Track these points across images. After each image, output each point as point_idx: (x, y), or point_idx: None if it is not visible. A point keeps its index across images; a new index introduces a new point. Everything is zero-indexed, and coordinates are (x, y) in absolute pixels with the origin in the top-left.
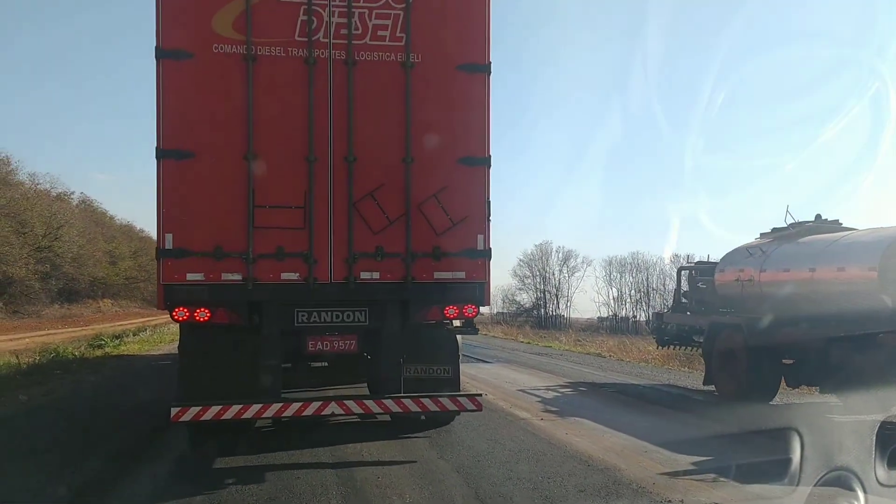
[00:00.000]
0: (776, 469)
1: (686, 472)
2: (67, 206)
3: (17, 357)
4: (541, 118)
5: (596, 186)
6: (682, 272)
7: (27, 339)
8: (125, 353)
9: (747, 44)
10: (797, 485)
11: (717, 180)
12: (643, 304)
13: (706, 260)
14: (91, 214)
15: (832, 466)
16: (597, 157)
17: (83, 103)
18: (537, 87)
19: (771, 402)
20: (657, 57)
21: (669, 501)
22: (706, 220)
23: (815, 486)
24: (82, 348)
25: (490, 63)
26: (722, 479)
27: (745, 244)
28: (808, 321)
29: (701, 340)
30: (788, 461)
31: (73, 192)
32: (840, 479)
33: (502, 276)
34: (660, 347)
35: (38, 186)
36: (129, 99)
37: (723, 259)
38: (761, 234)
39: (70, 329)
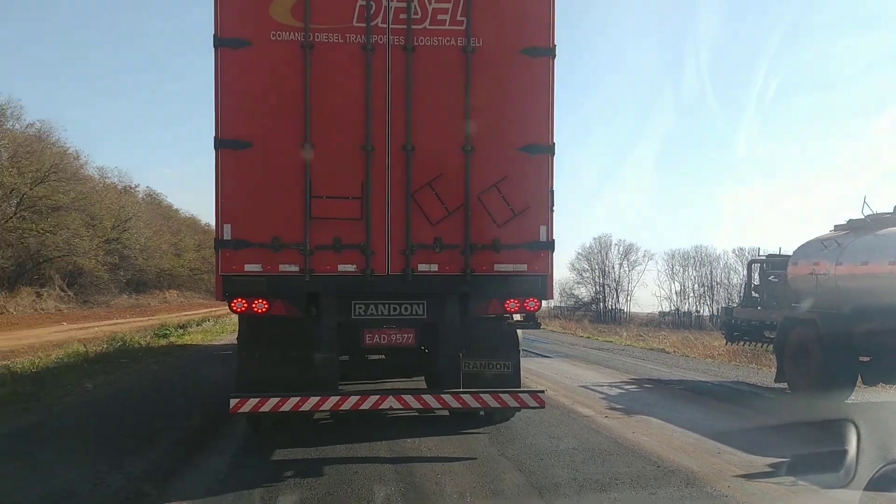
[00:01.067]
0: (868, 473)
1: (763, 475)
2: (134, 199)
3: (85, 346)
4: (592, 106)
5: (652, 178)
6: (753, 266)
7: (96, 329)
8: (189, 342)
9: (803, 29)
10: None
11: (774, 169)
12: (707, 298)
13: (778, 253)
14: (157, 207)
15: None
16: (650, 148)
17: (157, 105)
18: (582, 72)
19: (846, 401)
20: (710, 43)
21: None
22: (765, 210)
23: None
24: (148, 338)
25: (555, 46)
26: (801, 482)
27: (818, 236)
28: (887, 316)
29: (772, 336)
30: (872, 465)
31: (138, 186)
32: None
33: (559, 269)
34: (728, 343)
35: (107, 180)
36: (197, 93)
37: (796, 252)
38: (836, 227)
39: (137, 319)
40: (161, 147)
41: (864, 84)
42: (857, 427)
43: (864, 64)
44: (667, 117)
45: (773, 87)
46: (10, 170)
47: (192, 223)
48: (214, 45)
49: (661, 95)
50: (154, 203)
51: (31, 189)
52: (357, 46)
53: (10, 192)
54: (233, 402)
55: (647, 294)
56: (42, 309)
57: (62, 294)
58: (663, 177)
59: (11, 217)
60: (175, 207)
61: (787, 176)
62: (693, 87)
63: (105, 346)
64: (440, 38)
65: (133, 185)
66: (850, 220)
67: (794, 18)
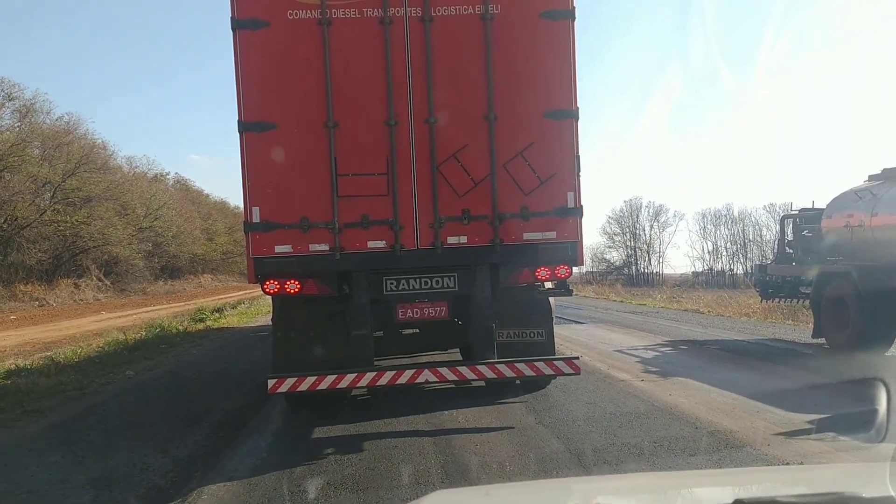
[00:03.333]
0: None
1: (803, 432)
2: (164, 186)
3: (125, 333)
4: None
5: (675, 139)
6: (786, 221)
7: (134, 316)
8: (225, 325)
9: None
10: None
11: (789, 124)
12: (740, 256)
13: (811, 207)
14: (187, 193)
15: None
16: (663, 110)
17: (180, 97)
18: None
19: (886, 353)
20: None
21: (788, 464)
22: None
23: None
24: (185, 323)
25: (574, 8)
26: (843, 437)
27: (853, 188)
28: None
29: (808, 291)
30: None
31: (168, 173)
32: None
33: (590, 234)
34: (763, 301)
35: (136, 169)
36: (218, 79)
37: (829, 204)
38: (870, 177)
39: (174, 304)
40: (186, 133)
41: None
42: (883, 379)
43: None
44: (694, 77)
45: (782, 48)
46: (42, 163)
47: (221, 207)
48: (232, 28)
49: (672, 58)
50: (184, 189)
51: (63, 181)
52: (375, 20)
53: (44, 186)
54: (270, 382)
55: (680, 255)
56: (81, 299)
57: (99, 283)
58: (684, 137)
59: (46, 210)
60: (205, 192)
61: (810, 127)
62: (706, 50)
63: (144, 333)
64: (458, 7)
65: (164, 173)
66: (884, 170)
67: None
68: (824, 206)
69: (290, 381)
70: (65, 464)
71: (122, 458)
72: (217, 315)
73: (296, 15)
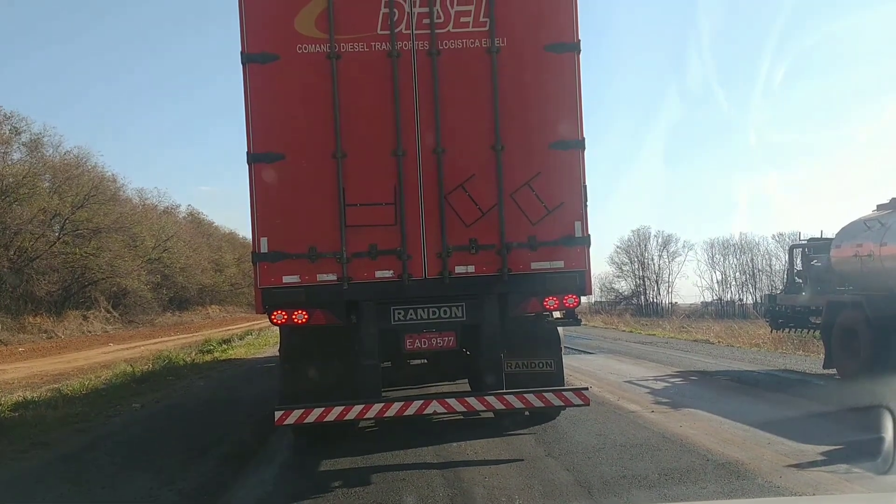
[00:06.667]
0: None
1: (815, 464)
2: (174, 218)
3: (132, 366)
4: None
5: (678, 168)
6: (795, 251)
7: (142, 347)
8: (233, 356)
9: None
10: None
11: (788, 155)
12: (749, 286)
13: (819, 237)
14: (198, 225)
15: None
16: (661, 139)
17: (187, 124)
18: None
19: None
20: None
21: (798, 494)
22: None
23: None
24: (193, 354)
25: (579, 41)
26: (855, 469)
27: (861, 217)
28: None
29: (818, 321)
30: None
31: (179, 206)
32: None
33: (598, 264)
34: (773, 331)
35: (147, 202)
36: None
37: (839, 234)
38: (878, 206)
39: (181, 336)
40: (194, 166)
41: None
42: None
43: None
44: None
45: (781, 74)
46: (52, 195)
47: (231, 238)
48: (242, 62)
49: (669, 86)
50: (195, 221)
51: (72, 213)
52: (383, 54)
53: (53, 218)
54: (277, 414)
55: (689, 285)
56: (89, 331)
57: (108, 315)
58: (690, 168)
59: (56, 242)
60: (215, 224)
61: (814, 160)
62: (699, 77)
63: (151, 365)
64: (464, 41)
65: (175, 206)
66: (893, 199)
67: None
68: (833, 236)
69: (297, 413)
70: (72, 496)
71: (129, 490)
72: (225, 346)
73: (305, 49)
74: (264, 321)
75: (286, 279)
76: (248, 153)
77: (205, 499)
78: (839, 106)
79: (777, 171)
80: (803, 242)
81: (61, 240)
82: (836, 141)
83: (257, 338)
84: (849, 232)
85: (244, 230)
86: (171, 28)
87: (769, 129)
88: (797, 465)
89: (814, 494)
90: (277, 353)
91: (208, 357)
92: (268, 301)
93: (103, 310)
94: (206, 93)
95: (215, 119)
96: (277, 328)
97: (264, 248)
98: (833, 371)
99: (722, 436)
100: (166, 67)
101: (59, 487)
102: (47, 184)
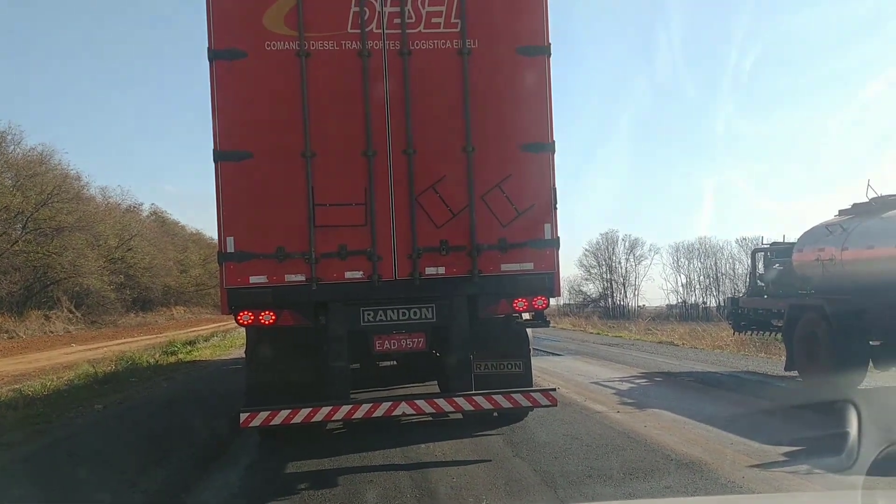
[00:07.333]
0: (881, 457)
1: (777, 464)
2: (137, 217)
3: (95, 367)
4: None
5: (646, 168)
6: (757, 255)
7: (105, 348)
8: (197, 358)
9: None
10: None
11: (755, 147)
12: (713, 289)
13: (782, 241)
14: (162, 225)
15: None
16: (628, 136)
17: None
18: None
19: (860, 386)
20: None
21: (760, 493)
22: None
23: None
24: (157, 355)
25: (550, 45)
26: (815, 467)
27: (823, 222)
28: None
29: (780, 324)
30: (892, 449)
31: (142, 204)
32: None
33: (567, 266)
34: (736, 333)
35: (110, 200)
36: (191, 106)
37: (801, 238)
38: (840, 211)
39: (145, 337)
40: (160, 164)
41: (846, 53)
42: (854, 410)
43: (845, 33)
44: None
45: (749, 63)
46: (15, 192)
47: (197, 238)
48: (209, 58)
49: (637, 80)
50: (159, 220)
51: (35, 211)
52: (353, 53)
53: (16, 216)
54: (243, 416)
55: (655, 288)
56: (51, 331)
57: (70, 315)
58: (660, 169)
59: (18, 240)
60: (181, 224)
61: (781, 158)
62: (668, 70)
63: (114, 366)
64: (435, 42)
65: (137, 204)
66: (854, 205)
67: None
68: (795, 240)
69: (263, 415)
70: (31, 498)
71: (91, 492)
72: (189, 348)
73: (273, 46)
74: (231, 323)
75: (253, 279)
76: (214, 151)
77: (168, 500)
78: (807, 96)
79: (742, 162)
80: (766, 246)
81: (23, 238)
82: (802, 131)
83: (223, 339)
84: (811, 236)
85: (210, 230)
86: (136, 22)
87: (737, 119)
88: (759, 465)
89: (776, 493)
90: (244, 355)
91: (172, 358)
92: (234, 302)
93: (66, 310)
94: (172, 90)
95: (181, 116)
96: (244, 329)
97: (231, 248)
98: (794, 373)
99: (686, 436)
100: (131, 64)
101: (17, 488)
102: (10, 181)
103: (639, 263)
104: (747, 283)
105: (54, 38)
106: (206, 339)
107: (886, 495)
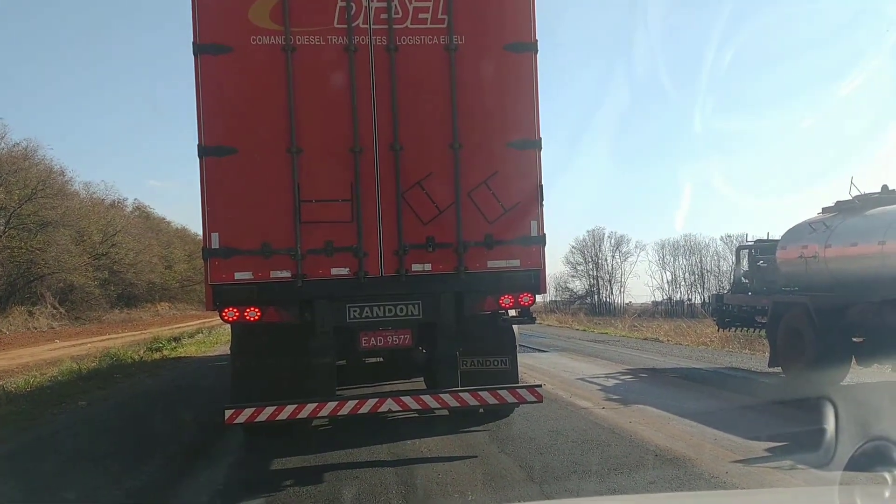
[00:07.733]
0: (859, 453)
1: (761, 460)
2: (122, 213)
3: (79, 363)
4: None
5: (630, 165)
6: (742, 252)
7: (89, 345)
8: (182, 355)
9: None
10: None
11: (733, 144)
12: (698, 286)
13: (766, 238)
14: (146, 220)
15: None
16: (612, 134)
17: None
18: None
19: (842, 383)
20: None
21: (743, 488)
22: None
23: None
24: (141, 352)
25: (537, 41)
26: (800, 466)
27: (807, 219)
28: (878, 296)
29: (764, 321)
30: (870, 445)
31: (126, 199)
32: None
33: (554, 263)
34: (720, 330)
35: (94, 195)
36: (178, 100)
37: (784, 236)
38: (823, 209)
39: (130, 333)
40: (145, 159)
41: (823, 51)
42: (835, 407)
43: (821, 31)
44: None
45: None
46: None
47: (182, 234)
48: (194, 53)
49: (616, 77)
50: (143, 216)
51: (19, 206)
52: (339, 48)
53: None
54: (228, 413)
55: (640, 284)
56: (35, 327)
57: (54, 311)
58: (645, 167)
59: (1, 236)
60: (167, 220)
61: (764, 154)
62: (645, 65)
63: (98, 363)
64: (422, 37)
65: (121, 199)
66: (837, 202)
67: None
68: (779, 238)
69: (248, 412)
70: (15, 495)
71: (75, 489)
72: (174, 344)
73: (259, 41)
74: (215, 319)
75: (238, 275)
76: (199, 146)
77: (152, 497)
78: (784, 94)
79: (722, 158)
80: (750, 244)
81: (7, 234)
82: (781, 129)
83: (208, 336)
84: (794, 234)
85: (196, 226)
86: (120, 16)
87: (715, 117)
88: (742, 461)
89: (758, 488)
90: (229, 352)
91: (157, 355)
92: (219, 298)
93: (49, 306)
94: (156, 84)
95: (165, 111)
96: (229, 326)
97: (215, 244)
98: (778, 369)
99: (670, 431)
100: (115, 59)
101: (2, 486)
102: None
103: (625, 260)
104: (732, 281)
105: (39, 34)
106: (191, 336)
107: (863, 491)
